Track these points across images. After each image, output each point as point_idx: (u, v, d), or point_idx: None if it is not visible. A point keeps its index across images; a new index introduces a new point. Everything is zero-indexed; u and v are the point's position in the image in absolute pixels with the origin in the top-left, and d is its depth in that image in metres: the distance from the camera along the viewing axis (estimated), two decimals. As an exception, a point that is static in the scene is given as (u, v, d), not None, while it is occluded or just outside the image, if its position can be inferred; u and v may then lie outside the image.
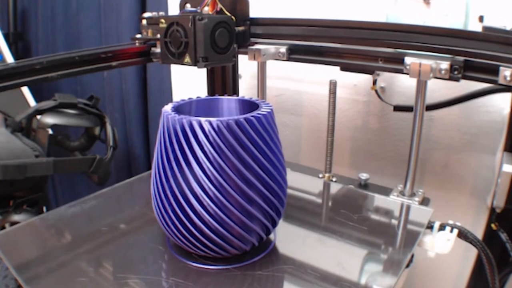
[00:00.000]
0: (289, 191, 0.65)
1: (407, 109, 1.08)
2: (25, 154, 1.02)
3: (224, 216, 0.53)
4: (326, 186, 0.89)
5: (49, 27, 1.89)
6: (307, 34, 0.89)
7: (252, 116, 0.53)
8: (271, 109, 0.58)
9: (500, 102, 0.99)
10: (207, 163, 0.52)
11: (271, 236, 0.67)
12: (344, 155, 1.27)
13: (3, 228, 1.01)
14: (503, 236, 0.83)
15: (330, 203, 0.82)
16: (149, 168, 1.70)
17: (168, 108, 0.58)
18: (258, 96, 1.00)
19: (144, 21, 1.05)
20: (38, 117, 1.15)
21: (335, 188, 0.87)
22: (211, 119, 0.51)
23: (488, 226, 0.88)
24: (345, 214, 0.74)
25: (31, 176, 1.01)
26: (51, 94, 1.20)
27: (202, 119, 0.51)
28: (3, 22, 1.96)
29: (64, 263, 0.60)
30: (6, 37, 1.85)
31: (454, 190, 1.12)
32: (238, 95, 1.28)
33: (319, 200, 0.84)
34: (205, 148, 0.51)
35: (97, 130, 1.28)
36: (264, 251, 0.62)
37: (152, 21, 1.03)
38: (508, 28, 0.74)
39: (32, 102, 1.71)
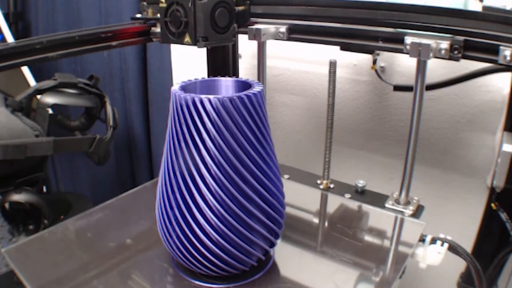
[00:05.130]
0: (287, 206, 0.68)
1: (407, 88, 1.08)
2: (25, 134, 1.03)
3: (227, 198, 0.56)
4: (324, 198, 0.91)
5: (49, 7, 1.87)
6: (307, 14, 0.89)
7: (244, 94, 0.57)
8: (262, 88, 0.61)
9: (500, 82, 0.99)
10: (208, 141, 0.55)
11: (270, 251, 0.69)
12: (344, 135, 1.28)
13: (3, 207, 1.02)
14: (503, 215, 0.84)
15: (326, 217, 0.85)
16: (149, 147, 1.71)
17: (176, 87, 0.61)
18: (258, 76, 1.00)
19: (144, 1, 1.04)
20: (38, 96, 1.15)
21: (332, 200, 0.90)
22: (210, 96, 0.55)
23: (488, 206, 0.88)
24: (341, 229, 0.78)
25: (31, 156, 1.01)
26: (51, 74, 1.20)
27: (203, 96, 0.55)
28: (3, 1, 1.94)
29: (75, 281, 0.63)
30: (6, 16, 1.84)
31: (454, 170, 1.13)
32: (238, 75, 1.28)
33: (316, 215, 0.86)
34: (205, 122, 0.56)
35: (97, 110, 1.28)
36: (264, 269, 0.66)
37: (152, 1, 1.02)
38: (508, 8, 0.73)
39: (32, 81, 1.71)
